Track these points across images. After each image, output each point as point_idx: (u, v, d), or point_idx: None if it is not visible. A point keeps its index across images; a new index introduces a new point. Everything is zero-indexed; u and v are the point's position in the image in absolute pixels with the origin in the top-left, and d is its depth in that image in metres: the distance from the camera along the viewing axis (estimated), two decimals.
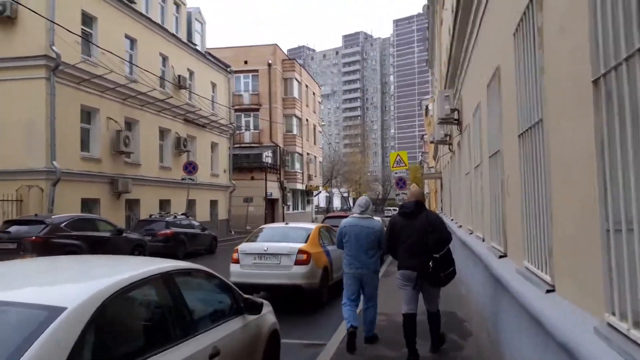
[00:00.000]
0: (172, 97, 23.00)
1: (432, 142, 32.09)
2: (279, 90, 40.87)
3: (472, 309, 7.11)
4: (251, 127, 40.22)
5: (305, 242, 8.91)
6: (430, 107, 35.36)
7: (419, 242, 5.26)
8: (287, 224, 10.19)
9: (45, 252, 9.89)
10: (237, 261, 8.81)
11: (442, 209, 22.00)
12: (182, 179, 21.68)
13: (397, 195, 25.30)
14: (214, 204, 28.18)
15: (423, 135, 68.88)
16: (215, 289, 3.88)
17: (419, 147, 79.14)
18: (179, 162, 23.29)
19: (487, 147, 5.66)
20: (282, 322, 4.99)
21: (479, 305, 6.17)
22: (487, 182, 5.72)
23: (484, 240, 6.39)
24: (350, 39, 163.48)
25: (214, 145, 28.60)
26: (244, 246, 9.03)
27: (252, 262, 8.67)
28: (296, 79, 42.68)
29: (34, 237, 10.92)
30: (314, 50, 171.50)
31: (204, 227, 18.45)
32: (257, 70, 40.20)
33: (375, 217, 6.55)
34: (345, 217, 13.69)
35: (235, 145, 39.35)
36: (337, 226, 14.57)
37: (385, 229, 5.99)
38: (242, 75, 40.60)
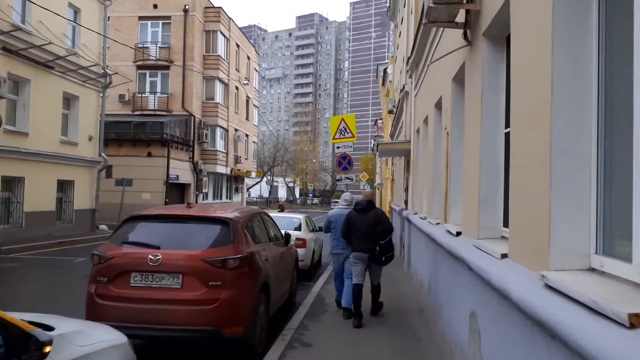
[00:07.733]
0: None
1: (390, 111, 24.04)
2: (198, 45, 31.61)
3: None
4: (158, 89, 30.83)
5: None
6: (389, 71, 27.16)
7: (369, 231, 6.87)
8: None
9: None
10: None
11: (407, 204, 13.68)
12: None
13: (338, 180, 16.69)
14: (66, 185, 18.83)
15: (377, 121, 61.24)
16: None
17: (372, 137, 70.96)
18: None
19: None
20: None
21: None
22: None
23: None
24: (305, 21, 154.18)
25: (70, 99, 19.14)
26: None
27: None
28: (222, 33, 33.43)
29: None
30: (265, 31, 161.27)
31: None
32: (169, 17, 30.80)
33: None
34: (170, 216, 6.75)
35: (136, 112, 30.07)
36: (145, 245, 5.07)
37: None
38: (149, 22, 31.17)
